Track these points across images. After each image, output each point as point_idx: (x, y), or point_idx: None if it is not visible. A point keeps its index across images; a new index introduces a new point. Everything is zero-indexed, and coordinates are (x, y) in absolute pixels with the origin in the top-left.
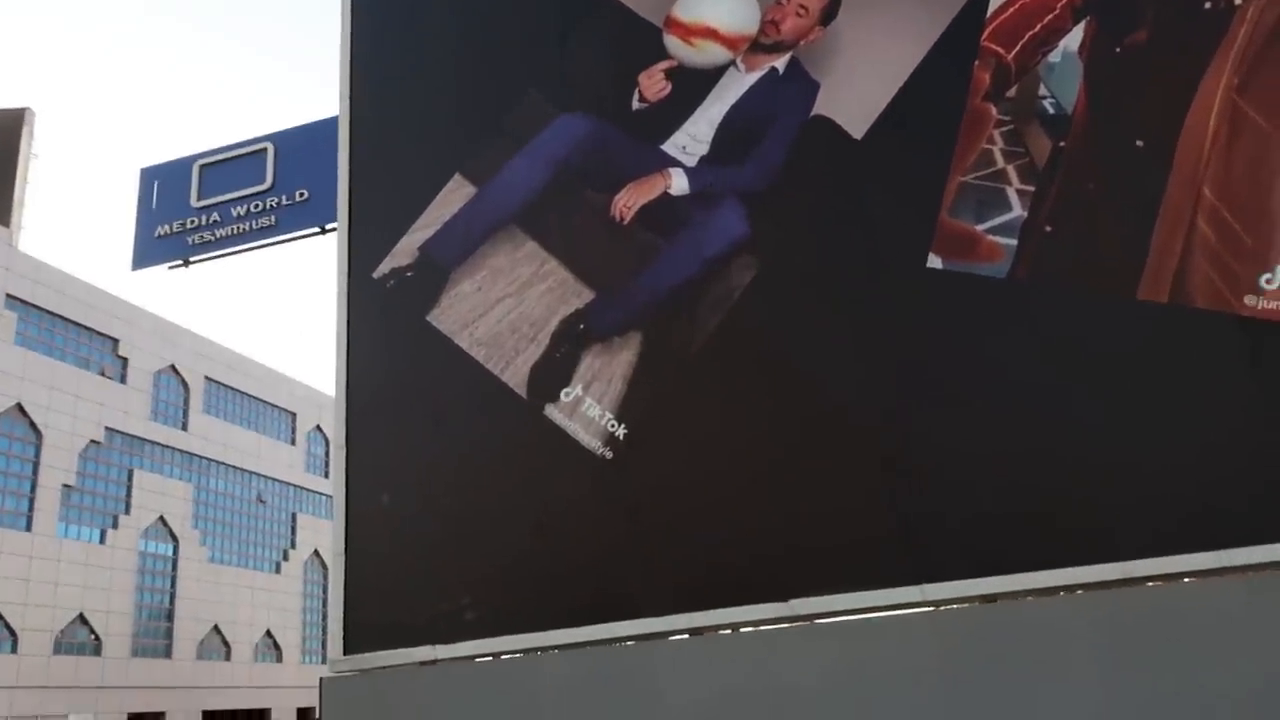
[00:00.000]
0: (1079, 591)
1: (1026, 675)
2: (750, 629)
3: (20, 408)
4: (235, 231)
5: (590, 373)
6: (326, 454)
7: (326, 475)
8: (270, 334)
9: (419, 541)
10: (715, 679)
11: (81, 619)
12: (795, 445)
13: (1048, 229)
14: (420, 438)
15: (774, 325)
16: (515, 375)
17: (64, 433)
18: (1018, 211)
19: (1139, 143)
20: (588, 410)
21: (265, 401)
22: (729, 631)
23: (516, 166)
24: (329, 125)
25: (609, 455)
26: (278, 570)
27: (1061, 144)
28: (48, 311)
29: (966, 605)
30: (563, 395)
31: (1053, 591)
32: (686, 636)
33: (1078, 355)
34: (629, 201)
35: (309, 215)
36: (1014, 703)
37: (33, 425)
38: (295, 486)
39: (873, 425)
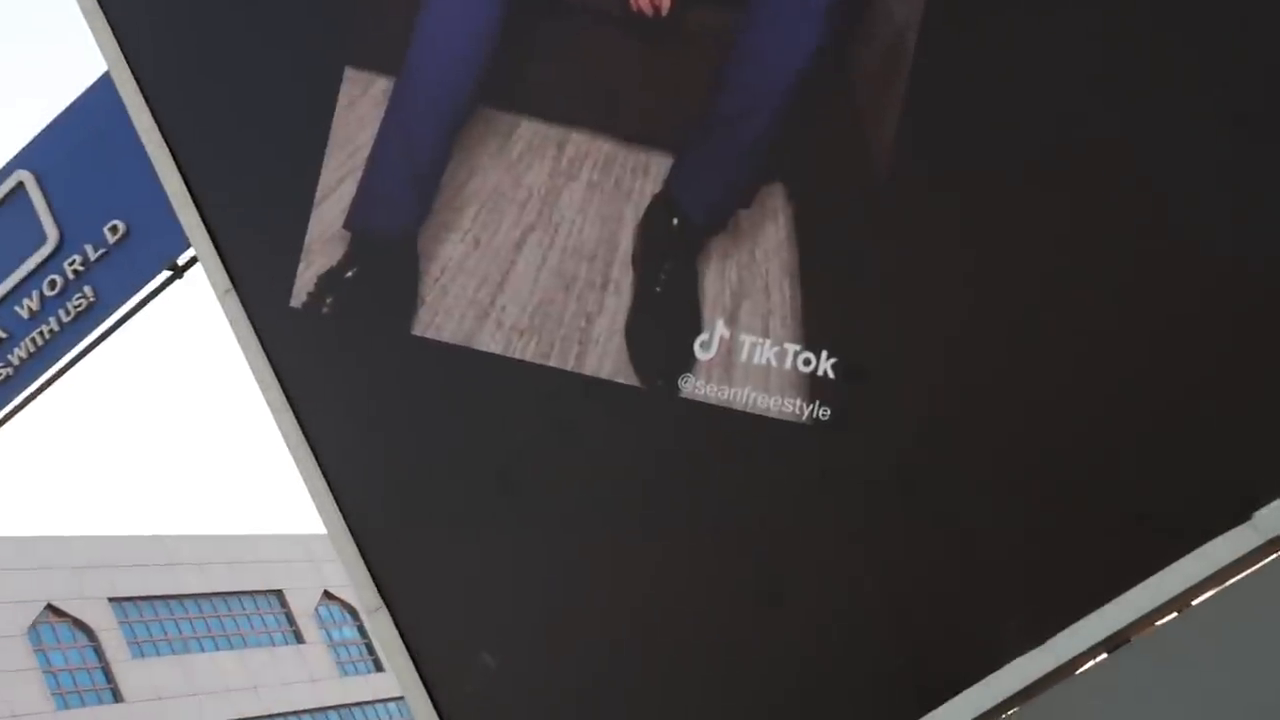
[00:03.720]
0: None
1: None
2: None
3: None
4: (35, 346)
5: (728, 291)
6: (361, 632)
7: (378, 668)
8: (176, 470)
9: (578, 706)
10: None
11: None
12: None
13: None
14: (495, 531)
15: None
16: (603, 356)
17: None
18: None
19: None
20: (755, 355)
21: (224, 594)
22: None
23: (441, 11)
24: (99, 96)
25: (825, 415)
26: None
27: None
28: None
29: None
30: (699, 351)
31: None
32: None
33: None
34: None
35: (143, 258)
36: None
37: None
38: (334, 711)
39: None
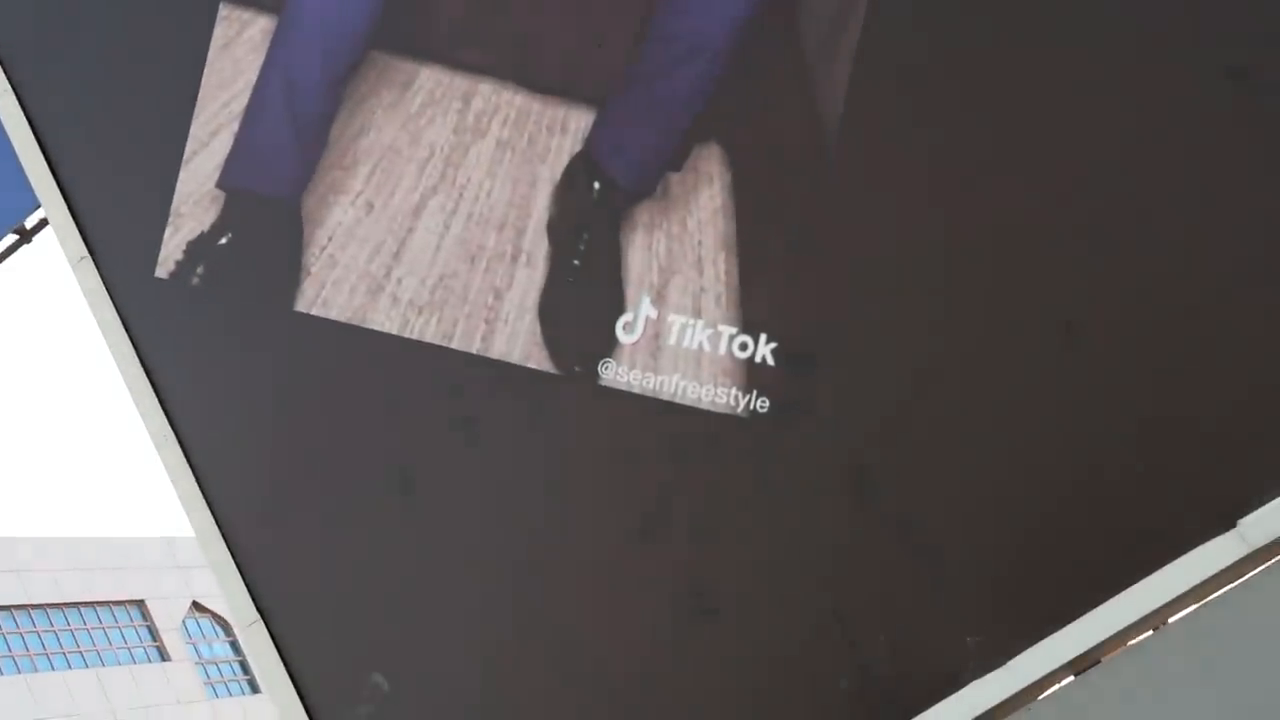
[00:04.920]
0: None
1: None
2: None
3: None
4: None
5: (656, 265)
6: (235, 649)
7: (254, 689)
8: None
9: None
10: None
11: None
12: None
13: None
14: (390, 535)
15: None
16: (512, 338)
17: None
18: None
19: None
20: (685, 338)
21: (77, 605)
22: None
23: None
24: None
25: (764, 406)
26: None
27: None
28: None
29: None
30: (622, 333)
31: None
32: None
33: None
34: None
35: None
36: None
37: None
38: None
39: None
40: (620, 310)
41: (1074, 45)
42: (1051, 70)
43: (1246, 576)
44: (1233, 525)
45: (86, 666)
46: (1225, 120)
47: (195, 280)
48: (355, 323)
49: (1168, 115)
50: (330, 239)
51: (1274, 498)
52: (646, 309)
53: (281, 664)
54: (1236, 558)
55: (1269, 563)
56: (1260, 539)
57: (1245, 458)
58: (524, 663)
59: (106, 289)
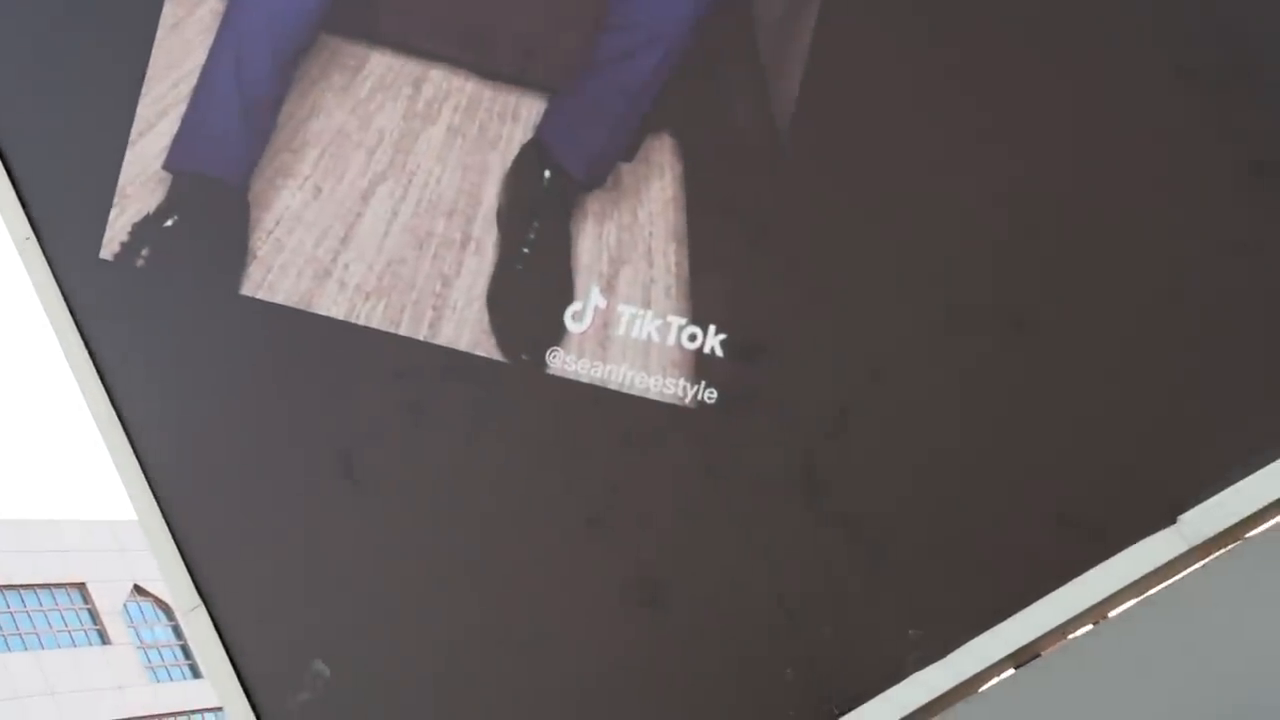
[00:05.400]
0: None
1: None
2: None
3: None
4: None
5: (606, 255)
6: (176, 633)
7: (195, 674)
8: None
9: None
10: None
11: None
12: None
13: None
14: (334, 521)
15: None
16: (460, 325)
17: None
18: None
19: None
20: (634, 329)
21: (17, 587)
22: None
23: None
24: None
25: (712, 397)
26: None
27: None
28: None
29: None
30: (570, 322)
31: None
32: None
33: None
34: None
35: None
36: None
37: None
38: None
39: None
40: (569, 299)
41: (1024, 44)
42: (1002, 66)
43: (1185, 571)
44: (1173, 521)
45: (26, 649)
46: (1169, 120)
47: (140, 262)
48: (302, 307)
49: (1114, 116)
50: (277, 223)
51: (1213, 494)
52: (596, 299)
53: (223, 649)
54: (1176, 553)
55: (1208, 558)
56: (1199, 534)
57: (1186, 454)
58: (468, 651)
59: (51, 270)
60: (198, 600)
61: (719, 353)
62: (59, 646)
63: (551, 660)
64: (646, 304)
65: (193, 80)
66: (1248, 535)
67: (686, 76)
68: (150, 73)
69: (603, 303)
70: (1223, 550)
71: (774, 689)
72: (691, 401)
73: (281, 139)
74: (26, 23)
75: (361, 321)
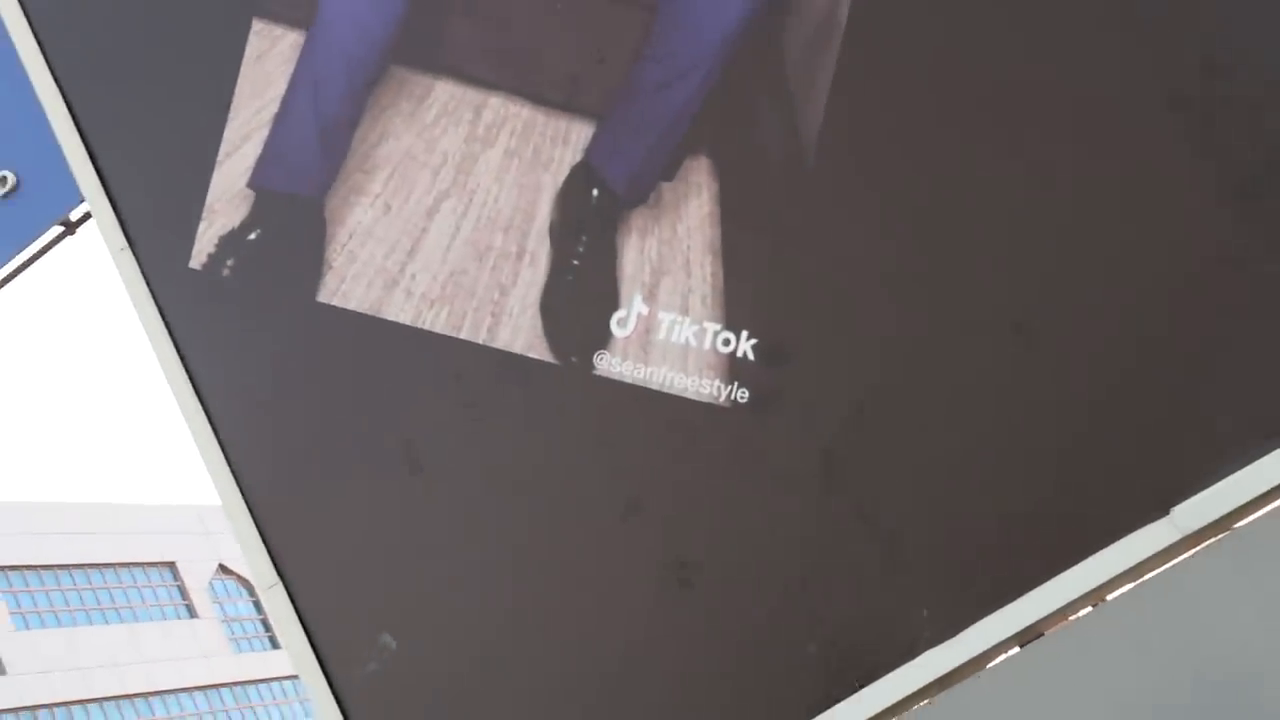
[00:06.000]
0: None
1: None
2: None
3: None
4: None
5: (648, 266)
6: (257, 608)
7: (274, 645)
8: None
9: (481, 690)
10: None
11: None
12: None
13: None
14: (399, 508)
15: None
16: (516, 330)
17: None
18: None
19: None
20: (673, 334)
21: (114, 566)
22: None
23: None
24: None
25: (744, 397)
26: None
27: None
28: None
29: None
30: (616, 327)
31: None
32: None
33: None
34: None
35: (33, 212)
36: None
37: None
38: (227, 689)
39: None
40: (615, 307)
41: (1042, 61)
42: (1019, 83)
43: (1178, 559)
44: (1166, 512)
45: (122, 622)
46: (1160, 130)
47: (226, 271)
48: (372, 313)
49: (1117, 132)
50: (351, 236)
51: (1204, 488)
52: (639, 306)
53: (298, 623)
54: (1169, 542)
55: (1198, 547)
56: (1191, 525)
57: (1179, 450)
58: (520, 625)
59: (144, 278)
60: (276, 578)
61: (750, 356)
62: (151, 620)
63: (596, 634)
64: (685, 311)
65: (274, 108)
66: (1235, 526)
67: (721, 102)
68: (236, 100)
69: (645, 310)
70: (1212, 540)
71: (798, 663)
72: (725, 401)
73: (355, 160)
74: (126, 55)
75: (426, 326)
